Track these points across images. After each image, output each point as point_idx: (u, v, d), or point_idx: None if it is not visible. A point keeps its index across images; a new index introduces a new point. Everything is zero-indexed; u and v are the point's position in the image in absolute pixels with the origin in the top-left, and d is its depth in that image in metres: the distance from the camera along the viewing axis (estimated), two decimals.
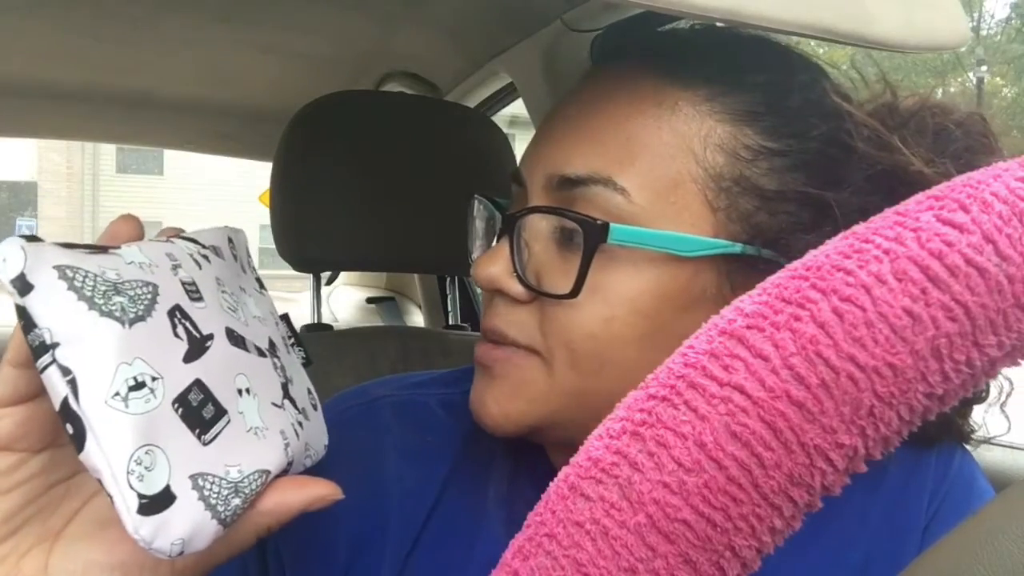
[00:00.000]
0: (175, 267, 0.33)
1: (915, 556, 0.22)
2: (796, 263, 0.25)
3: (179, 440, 0.31)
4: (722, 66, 0.45)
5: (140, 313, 0.30)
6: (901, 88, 0.46)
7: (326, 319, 1.24)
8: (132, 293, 0.30)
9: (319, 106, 0.91)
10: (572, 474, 0.24)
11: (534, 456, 0.50)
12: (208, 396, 0.32)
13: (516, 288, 0.45)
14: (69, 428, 0.28)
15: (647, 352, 0.42)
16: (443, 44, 1.08)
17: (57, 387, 0.28)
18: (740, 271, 0.43)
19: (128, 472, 0.28)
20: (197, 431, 0.31)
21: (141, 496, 0.28)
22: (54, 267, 0.28)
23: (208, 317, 0.34)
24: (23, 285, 0.28)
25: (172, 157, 13.95)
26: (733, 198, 0.43)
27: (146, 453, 0.29)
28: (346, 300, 1.91)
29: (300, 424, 0.39)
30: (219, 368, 0.33)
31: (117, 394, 0.29)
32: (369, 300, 1.84)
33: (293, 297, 2.20)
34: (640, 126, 0.43)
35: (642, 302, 0.43)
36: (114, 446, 0.28)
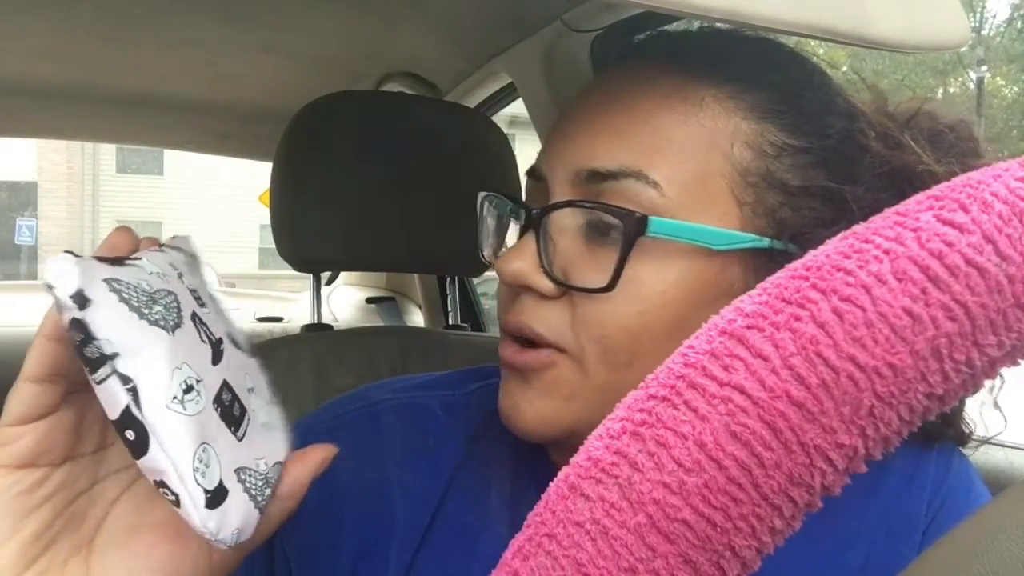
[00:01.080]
0: (180, 275, 0.34)
1: (913, 559, 0.22)
2: (796, 263, 0.25)
3: (222, 438, 0.32)
4: (743, 65, 0.45)
5: (176, 320, 0.31)
6: (900, 88, 0.47)
7: (326, 319, 1.24)
8: (164, 302, 0.31)
9: (319, 106, 0.91)
10: (572, 474, 0.24)
11: (537, 457, 0.50)
12: (233, 396, 0.34)
13: (544, 284, 0.44)
14: (129, 435, 0.29)
15: (675, 345, 0.42)
16: (443, 44, 1.08)
17: (117, 396, 0.29)
18: (765, 266, 0.43)
19: (194, 470, 0.30)
20: (232, 428, 0.33)
21: (206, 491, 0.30)
22: (103, 280, 0.29)
23: (214, 321, 0.35)
24: (82, 300, 0.28)
25: (172, 157, 13.94)
26: (759, 193, 0.43)
27: (204, 451, 0.30)
28: (346, 300, 1.91)
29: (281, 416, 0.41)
30: (234, 369, 0.35)
31: (175, 398, 0.30)
32: (369, 300, 1.84)
33: (293, 297, 2.20)
34: (667, 121, 0.44)
35: (672, 295, 0.43)
36: (178, 447, 0.29)
